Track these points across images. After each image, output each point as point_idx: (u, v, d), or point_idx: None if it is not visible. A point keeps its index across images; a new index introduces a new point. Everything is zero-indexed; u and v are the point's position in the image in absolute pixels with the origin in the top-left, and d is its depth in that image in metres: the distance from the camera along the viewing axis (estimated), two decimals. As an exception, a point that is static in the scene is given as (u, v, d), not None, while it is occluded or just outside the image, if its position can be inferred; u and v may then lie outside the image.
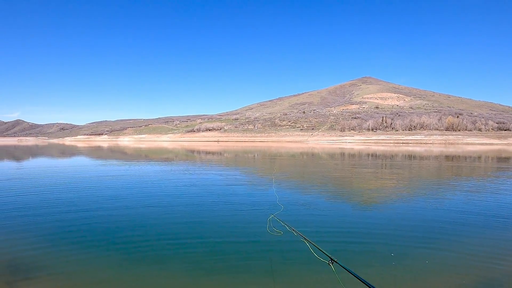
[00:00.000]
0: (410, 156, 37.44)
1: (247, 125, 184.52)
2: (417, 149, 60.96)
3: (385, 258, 5.62)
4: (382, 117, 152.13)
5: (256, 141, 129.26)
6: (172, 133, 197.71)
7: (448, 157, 36.04)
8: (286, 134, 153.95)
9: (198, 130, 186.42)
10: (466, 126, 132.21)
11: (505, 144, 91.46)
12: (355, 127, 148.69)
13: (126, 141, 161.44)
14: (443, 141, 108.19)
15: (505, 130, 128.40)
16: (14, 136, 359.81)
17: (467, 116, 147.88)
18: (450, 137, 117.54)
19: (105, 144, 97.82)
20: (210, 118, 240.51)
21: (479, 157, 36.11)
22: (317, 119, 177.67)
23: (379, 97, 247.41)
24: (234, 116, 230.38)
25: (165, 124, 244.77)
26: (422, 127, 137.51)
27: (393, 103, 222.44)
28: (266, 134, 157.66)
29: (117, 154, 44.07)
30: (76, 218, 8.17)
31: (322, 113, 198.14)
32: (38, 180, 15.22)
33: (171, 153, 45.25)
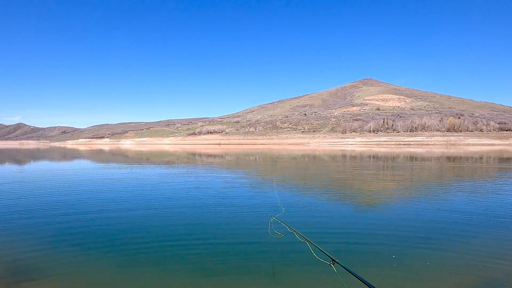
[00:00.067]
0: (412, 158, 37.37)
1: (248, 127, 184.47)
2: (419, 150, 60.87)
3: (386, 259, 5.61)
4: (383, 119, 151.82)
5: (257, 144, 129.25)
6: (174, 136, 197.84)
7: (450, 158, 35.97)
8: (287, 137, 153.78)
9: (200, 133, 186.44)
10: (468, 127, 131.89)
11: (507, 145, 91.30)
12: (356, 129, 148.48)
13: (128, 144, 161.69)
14: (445, 142, 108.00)
15: (507, 130, 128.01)
16: (16, 139, 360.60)
17: (468, 117, 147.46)
18: (452, 138, 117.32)
19: (106, 147, 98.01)
20: (211, 121, 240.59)
21: (481, 158, 36.03)
22: (318, 121, 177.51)
23: (380, 99, 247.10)
24: (235, 119, 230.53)
25: (166, 127, 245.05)
26: (424, 128, 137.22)
27: (394, 105, 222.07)
28: (267, 137, 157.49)
29: (119, 157, 44.14)
30: (77, 220, 8.19)
31: (323, 115, 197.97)
32: (39, 183, 15.25)
33: (172, 156, 45.30)
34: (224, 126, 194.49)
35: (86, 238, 6.85)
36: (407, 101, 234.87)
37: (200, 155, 48.34)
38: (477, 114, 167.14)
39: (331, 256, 3.59)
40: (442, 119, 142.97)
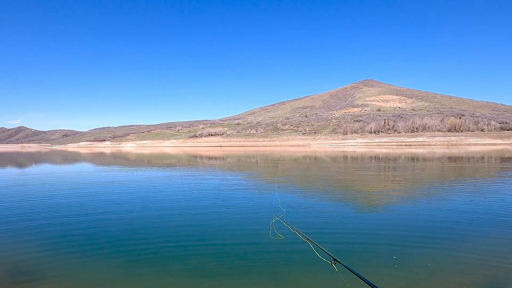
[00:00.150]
0: (413, 158, 37.33)
1: (249, 129, 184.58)
2: (420, 151, 60.81)
3: (387, 259, 5.60)
4: (384, 120, 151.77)
5: (258, 146, 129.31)
6: (175, 139, 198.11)
7: (451, 158, 35.92)
8: (288, 138, 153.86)
9: (201, 136, 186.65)
10: (469, 127, 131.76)
11: (508, 144, 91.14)
12: (357, 130, 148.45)
13: (129, 147, 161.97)
14: (446, 142, 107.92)
15: (508, 130, 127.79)
16: (17, 142, 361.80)
17: (469, 117, 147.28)
18: (453, 138, 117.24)
19: (107, 150, 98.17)
20: (212, 123, 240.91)
21: (482, 158, 35.97)
22: (319, 123, 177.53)
23: (381, 100, 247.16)
24: (236, 121, 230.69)
25: (167, 130, 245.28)
26: (425, 128, 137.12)
27: (395, 105, 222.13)
28: (268, 139, 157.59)
29: (120, 160, 44.21)
30: (78, 222, 8.21)
31: (324, 116, 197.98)
32: (41, 186, 15.28)
33: (173, 159, 45.34)
34: (225, 129, 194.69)
35: (88, 239, 6.87)
36: (408, 101, 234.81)
37: (201, 157, 48.38)
38: (478, 114, 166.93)
39: (333, 256, 3.60)
40: (443, 119, 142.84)
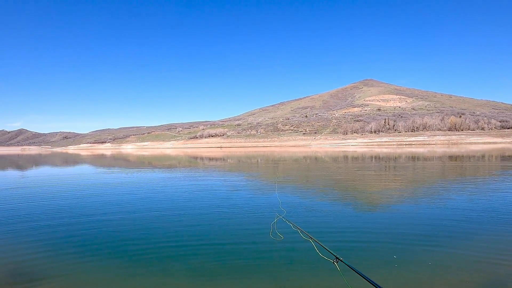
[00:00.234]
0: (414, 158, 37.31)
1: (249, 130, 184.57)
2: (420, 150, 60.77)
3: (388, 257, 5.60)
4: (385, 119, 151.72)
5: (259, 146, 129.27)
6: (175, 140, 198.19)
7: (452, 157, 35.89)
8: (288, 139, 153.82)
9: (201, 137, 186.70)
10: (469, 126, 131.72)
11: (509, 143, 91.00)
12: (357, 130, 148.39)
13: (129, 148, 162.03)
14: (446, 141, 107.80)
15: (508, 128, 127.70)
16: (18, 145, 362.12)
17: (469, 116, 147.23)
18: (453, 137, 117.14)
19: (108, 152, 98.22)
20: (213, 124, 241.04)
21: (483, 156, 35.93)
22: (320, 123, 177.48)
23: (381, 99, 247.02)
24: (237, 122, 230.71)
25: (168, 131, 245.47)
26: (425, 128, 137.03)
27: (395, 105, 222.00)
28: (269, 139, 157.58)
29: (120, 161, 44.22)
30: (79, 223, 8.22)
31: (324, 116, 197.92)
32: (41, 188, 15.30)
33: (174, 160, 45.35)
34: (226, 129, 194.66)
35: (89, 240, 6.88)
36: (408, 101, 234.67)
37: (201, 158, 48.38)
38: (478, 112, 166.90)
39: (335, 254, 3.61)
40: (443, 118, 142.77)
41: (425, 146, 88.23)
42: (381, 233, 7.01)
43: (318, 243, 3.98)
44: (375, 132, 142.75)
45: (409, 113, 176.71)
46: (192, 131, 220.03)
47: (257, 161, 38.44)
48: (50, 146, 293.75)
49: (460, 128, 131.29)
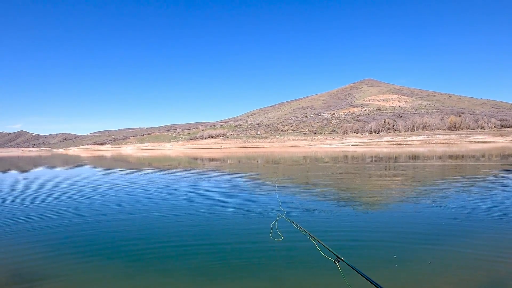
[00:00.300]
0: (414, 157, 37.31)
1: (249, 131, 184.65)
2: (421, 149, 60.78)
3: (388, 257, 5.60)
4: (384, 119, 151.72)
5: (259, 147, 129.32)
6: (175, 141, 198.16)
7: (452, 157, 35.90)
8: (288, 139, 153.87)
9: (201, 138, 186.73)
10: (469, 125, 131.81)
11: (509, 142, 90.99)
12: (357, 129, 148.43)
13: (129, 150, 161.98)
14: (446, 141, 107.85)
15: (508, 127, 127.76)
16: (18, 147, 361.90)
17: (469, 115, 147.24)
18: (453, 136, 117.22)
19: (108, 154, 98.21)
20: (213, 125, 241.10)
21: (483, 155, 35.94)
22: (319, 123, 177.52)
23: (380, 99, 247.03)
24: (237, 123, 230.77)
25: (167, 132, 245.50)
26: (425, 127, 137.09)
27: (395, 105, 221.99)
28: (268, 140, 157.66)
29: (120, 163, 44.23)
30: (79, 224, 8.23)
31: (324, 116, 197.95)
32: (42, 189, 15.30)
33: (174, 161, 45.36)
34: (226, 130, 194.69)
35: (89, 241, 6.88)
36: (408, 100, 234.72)
37: (202, 159, 48.38)
38: (478, 111, 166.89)
39: (336, 253, 3.61)
40: (443, 117, 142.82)
41: (425, 145, 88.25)
42: (382, 232, 7.01)
43: (320, 243, 3.98)
44: (375, 132, 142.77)
45: (408, 112, 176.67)
46: (192, 132, 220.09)
47: (257, 161, 38.45)
48: (50, 148, 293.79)
49: (460, 127, 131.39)
